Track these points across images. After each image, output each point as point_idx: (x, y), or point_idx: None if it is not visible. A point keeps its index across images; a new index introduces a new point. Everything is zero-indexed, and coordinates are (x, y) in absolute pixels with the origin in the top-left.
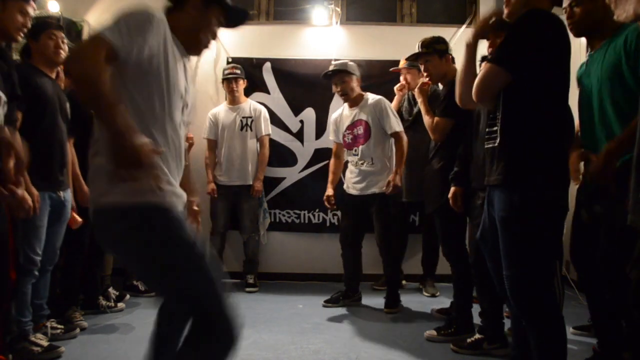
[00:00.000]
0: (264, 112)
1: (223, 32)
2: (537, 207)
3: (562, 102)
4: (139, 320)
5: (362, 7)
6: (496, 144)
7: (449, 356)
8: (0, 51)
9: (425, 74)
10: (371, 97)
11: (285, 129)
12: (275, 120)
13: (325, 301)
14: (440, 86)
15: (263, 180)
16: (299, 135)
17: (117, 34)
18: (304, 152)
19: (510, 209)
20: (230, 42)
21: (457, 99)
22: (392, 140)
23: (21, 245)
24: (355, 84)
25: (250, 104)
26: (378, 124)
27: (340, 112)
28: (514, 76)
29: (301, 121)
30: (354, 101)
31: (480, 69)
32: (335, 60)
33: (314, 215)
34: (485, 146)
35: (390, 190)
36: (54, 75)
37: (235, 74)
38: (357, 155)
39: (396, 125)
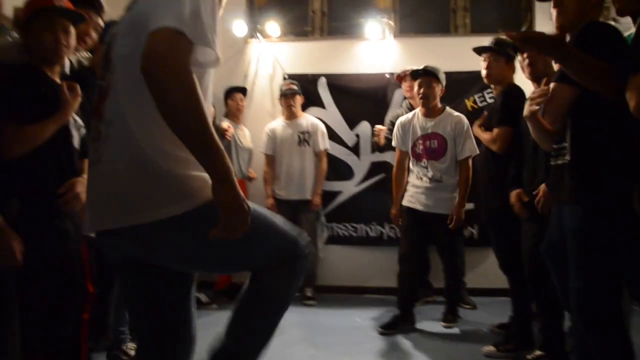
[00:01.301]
0: (321, 127)
1: (279, 49)
2: (611, 221)
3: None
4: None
5: (415, 19)
6: (566, 160)
7: None
8: (84, 75)
9: (485, 70)
10: (453, 113)
11: (342, 142)
12: (331, 134)
13: (380, 327)
14: (493, 92)
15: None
16: (355, 149)
17: (204, 30)
18: (360, 165)
19: (583, 222)
20: (286, 59)
21: None
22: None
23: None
24: (438, 93)
25: (307, 119)
26: (454, 143)
27: (409, 117)
28: (581, 90)
29: (357, 135)
30: (431, 111)
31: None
32: (390, 73)
33: (371, 229)
34: (553, 163)
35: (455, 225)
36: None
37: (292, 90)
38: (426, 168)
39: (471, 150)
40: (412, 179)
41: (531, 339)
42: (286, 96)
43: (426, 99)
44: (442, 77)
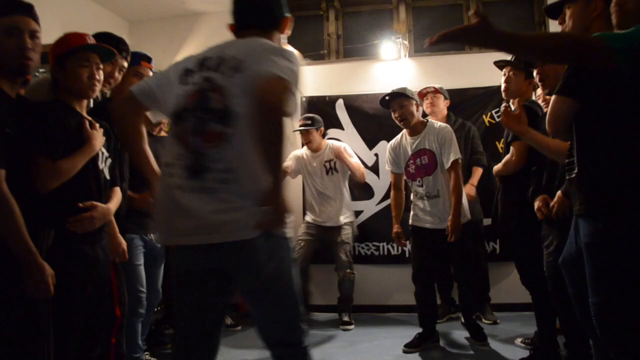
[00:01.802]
0: (343, 147)
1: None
2: (623, 234)
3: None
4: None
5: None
6: (574, 175)
7: None
8: (106, 106)
9: (504, 83)
10: (435, 125)
11: (361, 163)
12: None
13: (405, 345)
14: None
15: None
16: (375, 169)
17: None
18: (380, 184)
19: (595, 236)
20: (303, 82)
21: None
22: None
23: (128, 286)
24: (414, 110)
25: (329, 147)
26: (441, 154)
27: (398, 140)
28: (580, 103)
29: (376, 154)
30: (415, 129)
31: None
32: None
33: (392, 247)
34: (567, 177)
35: (453, 238)
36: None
37: (306, 125)
38: (422, 186)
39: (455, 154)
40: (414, 199)
41: (557, 354)
42: (302, 133)
43: (404, 120)
44: (412, 92)
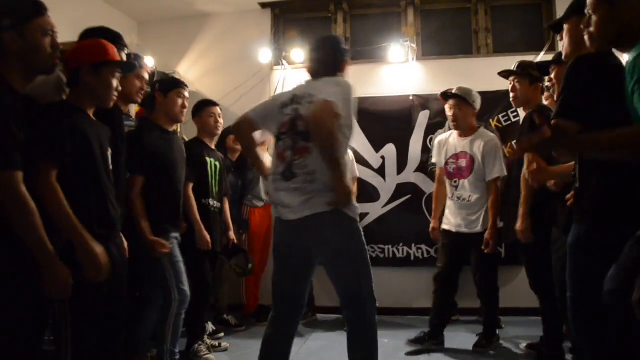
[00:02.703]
0: (350, 155)
1: (304, 76)
2: (600, 239)
3: None
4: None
5: (437, 41)
6: (577, 185)
7: None
8: (116, 115)
9: (511, 93)
10: (485, 133)
11: (367, 165)
12: (357, 157)
13: (409, 340)
14: (521, 113)
15: None
16: (381, 171)
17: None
18: (386, 187)
19: (577, 238)
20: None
21: None
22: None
23: (173, 283)
24: (470, 115)
25: None
26: (482, 163)
27: (447, 136)
28: (582, 124)
29: (382, 157)
30: (465, 131)
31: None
32: (414, 95)
33: (398, 250)
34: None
35: (490, 250)
36: (171, 129)
37: None
38: (456, 187)
39: (499, 172)
40: (447, 199)
41: (562, 359)
42: None
43: (455, 121)
44: (474, 98)
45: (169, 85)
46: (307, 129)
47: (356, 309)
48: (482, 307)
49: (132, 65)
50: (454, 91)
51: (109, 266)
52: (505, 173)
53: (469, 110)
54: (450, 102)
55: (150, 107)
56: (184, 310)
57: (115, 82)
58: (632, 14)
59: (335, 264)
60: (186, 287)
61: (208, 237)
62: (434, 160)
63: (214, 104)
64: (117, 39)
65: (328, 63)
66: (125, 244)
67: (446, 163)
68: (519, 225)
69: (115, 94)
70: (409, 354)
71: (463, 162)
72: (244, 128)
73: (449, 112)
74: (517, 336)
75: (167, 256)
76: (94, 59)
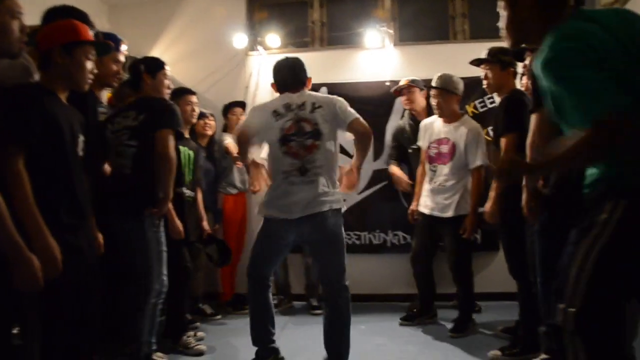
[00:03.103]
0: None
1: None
2: (558, 229)
3: None
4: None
5: (414, 27)
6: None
7: None
8: (89, 100)
9: (484, 80)
10: (469, 121)
11: (344, 151)
12: None
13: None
14: (496, 99)
15: None
16: None
17: None
18: (362, 173)
19: (540, 225)
20: None
21: None
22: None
23: (155, 272)
24: (453, 101)
25: None
26: (464, 151)
27: (432, 120)
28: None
29: None
30: (449, 118)
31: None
32: (391, 81)
33: (374, 236)
34: None
35: (468, 235)
36: None
37: None
38: (434, 172)
39: (481, 160)
40: (425, 183)
41: (537, 343)
42: None
43: (439, 109)
44: (455, 85)
45: (155, 66)
46: (315, 129)
47: (340, 286)
48: (457, 293)
49: (107, 46)
50: (433, 82)
51: (60, 264)
52: (488, 162)
53: (451, 98)
54: (433, 91)
55: (135, 89)
56: (161, 300)
57: (89, 64)
58: (527, 14)
59: (326, 250)
60: (166, 277)
61: (180, 226)
62: (419, 143)
63: (192, 92)
64: (83, 19)
65: (299, 79)
66: (100, 236)
67: (428, 147)
68: (487, 207)
69: (90, 76)
70: (402, 324)
71: (445, 148)
72: (243, 137)
73: (432, 101)
74: (493, 321)
75: (155, 244)
76: (66, 40)
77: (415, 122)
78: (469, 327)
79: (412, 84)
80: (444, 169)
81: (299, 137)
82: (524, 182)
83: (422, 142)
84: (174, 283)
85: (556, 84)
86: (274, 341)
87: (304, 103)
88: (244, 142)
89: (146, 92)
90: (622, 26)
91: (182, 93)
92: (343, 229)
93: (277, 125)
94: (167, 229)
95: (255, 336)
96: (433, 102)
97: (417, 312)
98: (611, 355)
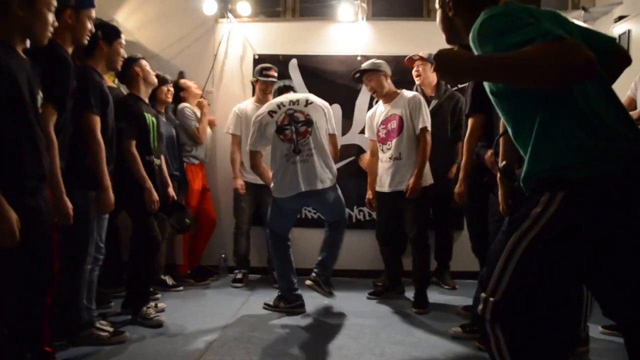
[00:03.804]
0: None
1: (250, 30)
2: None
3: None
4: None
5: (388, 2)
6: None
7: (474, 353)
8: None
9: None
10: (407, 93)
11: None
12: None
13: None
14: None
15: None
16: None
17: None
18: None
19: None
20: (257, 39)
21: None
22: None
23: (93, 239)
24: (384, 81)
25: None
26: (410, 119)
27: (374, 109)
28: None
29: None
30: (388, 97)
31: None
32: (362, 56)
33: None
34: None
35: (410, 194)
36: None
37: (274, 77)
38: (390, 149)
39: (424, 122)
40: (380, 165)
41: None
42: (267, 83)
43: (375, 91)
44: (380, 65)
45: (114, 34)
46: (307, 118)
47: (341, 220)
48: (413, 267)
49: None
50: (363, 66)
51: (17, 235)
52: (428, 124)
53: (383, 79)
54: (364, 78)
55: (89, 55)
56: (97, 266)
57: (51, 17)
58: (456, 12)
59: (330, 211)
60: (103, 244)
61: (157, 196)
62: (366, 135)
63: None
64: None
65: (290, 86)
66: (70, 207)
67: (377, 132)
68: (456, 188)
69: (51, 29)
70: (370, 298)
71: (393, 124)
72: (257, 161)
73: (366, 86)
74: (457, 299)
75: (97, 208)
76: None
77: (424, 98)
78: (428, 303)
79: (428, 59)
80: (396, 142)
81: (293, 125)
82: (498, 176)
83: (370, 133)
84: (140, 253)
85: (496, 39)
86: (297, 289)
87: (298, 100)
88: (258, 167)
89: (97, 58)
90: (548, 15)
91: (119, 34)
92: (340, 191)
93: (273, 121)
94: (139, 199)
95: (282, 285)
96: (367, 87)
97: (385, 287)
98: (532, 346)
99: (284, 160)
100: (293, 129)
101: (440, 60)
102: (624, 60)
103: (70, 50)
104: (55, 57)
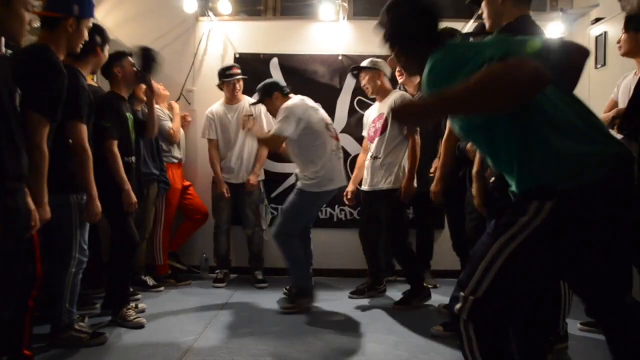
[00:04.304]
0: (264, 109)
1: (230, 28)
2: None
3: None
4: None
5: (369, 2)
6: None
7: (455, 352)
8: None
9: (366, 88)
10: (396, 93)
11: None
12: None
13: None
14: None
15: (269, 176)
16: None
17: None
18: None
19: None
20: (237, 38)
21: None
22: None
23: (78, 241)
24: (377, 79)
25: (248, 102)
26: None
27: (371, 108)
28: None
29: None
30: (381, 96)
31: None
32: (343, 55)
33: (321, 211)
34: None
35: (403, 197)
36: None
37: (239, 73)
38: (374, 148)
39: None
40: (366, 162)
41: None
42: (235, 81)
43: (366, 89)
44: (377, 64)
45: (107, 40)
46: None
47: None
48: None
49: (91, 10)
50: (362, 64)
51: None
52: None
53: (375, 76)
54: (362, 74)
55: (79, 57)
56: (81, 269)
57: (27, 16)
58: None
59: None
60: (86, 246)
61: (135, 198)
62: (363, 133)
63: (131, 54)
64: None
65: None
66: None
67: (369, 129)
68: (432, 186)
69: (28, 28)
70: (352, 297)
71: (379, 123)
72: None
73: (362, 83)
74: (439, 297)
75: (79, 212)
76: None
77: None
78: (412, 302)
79: None
80: (377, 141)
81: (330, 126)
82: (474, 170)
83: (365, 131)
84: (118, 254)
85: (448, 79)
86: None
87: (318, 106)
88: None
89: (88, 63)
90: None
91: (125, 55)
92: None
93: (319, 117)
94: (118, 199)
95: (305, 283)
96: (362, 83)
97: (367, 286)
98: (501, 347)
99: (333, 155)
100: (332, 128)
101: (395, 115)
102: (579, 55)
103: (62, 57)
104: (50, 66)
